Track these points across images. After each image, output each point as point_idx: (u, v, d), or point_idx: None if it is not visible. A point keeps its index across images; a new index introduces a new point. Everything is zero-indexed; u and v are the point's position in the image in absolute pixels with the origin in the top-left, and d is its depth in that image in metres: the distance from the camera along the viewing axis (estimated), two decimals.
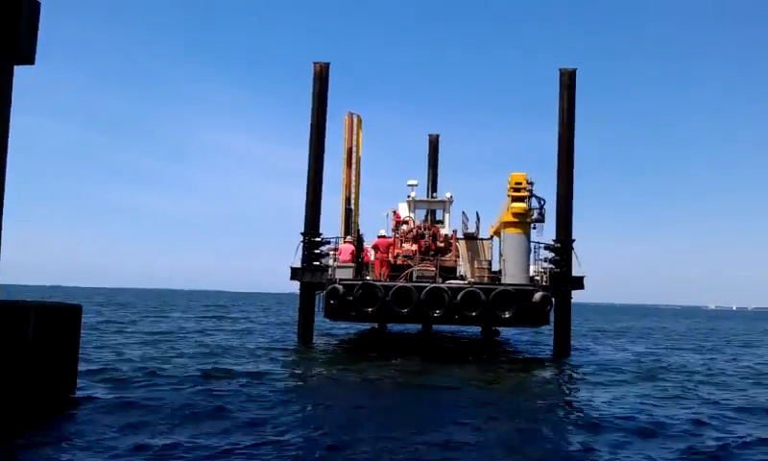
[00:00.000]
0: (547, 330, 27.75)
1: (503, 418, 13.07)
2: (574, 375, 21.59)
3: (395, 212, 29.94)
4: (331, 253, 27.85)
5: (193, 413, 12.18)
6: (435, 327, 36.96)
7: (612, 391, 17.49)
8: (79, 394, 13.36)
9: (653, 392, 17.54)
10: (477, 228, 29.77)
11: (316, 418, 12.84)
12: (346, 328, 37.42)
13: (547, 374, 21.67)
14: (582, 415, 13.77)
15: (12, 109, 11.58)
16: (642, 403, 15.46)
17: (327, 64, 29.27)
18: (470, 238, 28.98)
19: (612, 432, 11.89)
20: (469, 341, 32.69)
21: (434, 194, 39.39)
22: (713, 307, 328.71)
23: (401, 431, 11.20)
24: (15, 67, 11.59)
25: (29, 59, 11.83)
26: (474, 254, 28.36)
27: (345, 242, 26.89)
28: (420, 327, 36.36)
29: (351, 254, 25.65)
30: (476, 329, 33.28)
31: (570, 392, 17.78)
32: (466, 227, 29.94)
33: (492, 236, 29.79)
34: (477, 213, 30.07)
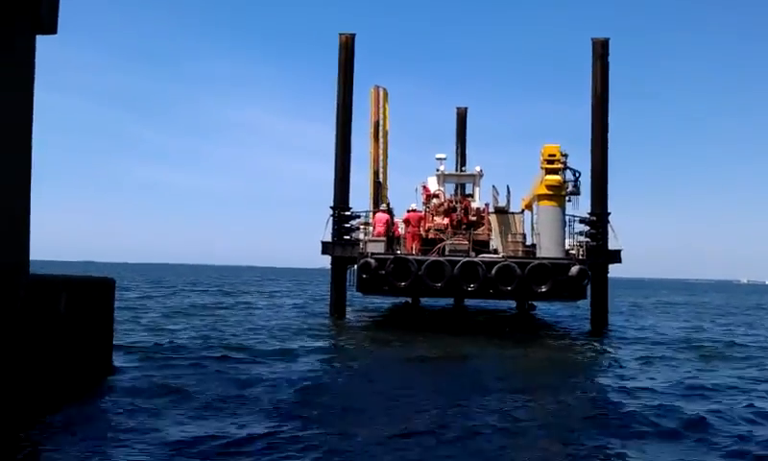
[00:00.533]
0: (584, 305, 27.18)
1: (538, 395, 12.66)
2: (613, 350, 21.04)
3: (424, 186, 29.46)
4: (362, 227, 27.55)
5: (224, 397, 11.52)
6: (466, 301, 36.64)
7: (656, 368, 16.98)
8: (115, 374, 13.17)
9: (696, 364, 17.12)
10: (508, 201, 29.24)
11: (349, 395, 12.46)
12: (378, 303, 37.16)
13: (586, 350, 21.17)
14: (624, 394, 13.32)
15: (35, 81, 11.34)
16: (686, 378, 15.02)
17: (353, 35, 28.76)
18: (501, 212, 28.44)
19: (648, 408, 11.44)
20: (504, 316, 32.28)
21: (463, 168, 38.75)
22: (746, 281, 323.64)
23: (437, 408, 10.92)
24: (38, 37, 11.31)
25: (51, 28, 11.49)
26: (506, 228, 27.82)
27: (380, 211, 26.50)
28: (451, 301, 36.01)
29: (386, 223, 25.29)
30: (509, 304, 32.85)
31: (610, 369, 17.29)
32: (496, 201, 29.36)
33: (523, 210, 29.23)
34: (508, 187, 29.52)
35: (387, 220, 25.57)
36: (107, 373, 12.86)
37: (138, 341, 18.35)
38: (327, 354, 18.04)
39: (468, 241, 24.70)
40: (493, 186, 29.99)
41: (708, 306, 56.03)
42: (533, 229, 27.81)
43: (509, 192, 29.40)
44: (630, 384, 14.07)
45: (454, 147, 43.36)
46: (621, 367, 17.09)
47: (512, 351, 18.80)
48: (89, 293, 12.54)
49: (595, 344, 22.54)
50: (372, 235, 25.02)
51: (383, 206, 27.64)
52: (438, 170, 31.69)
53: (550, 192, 23.93)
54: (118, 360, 14.06)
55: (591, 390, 13.51)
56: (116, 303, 14.15)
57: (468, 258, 23.22)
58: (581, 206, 25.62)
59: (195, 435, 8.86)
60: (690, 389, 13.53)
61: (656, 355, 19.36)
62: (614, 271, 28.09)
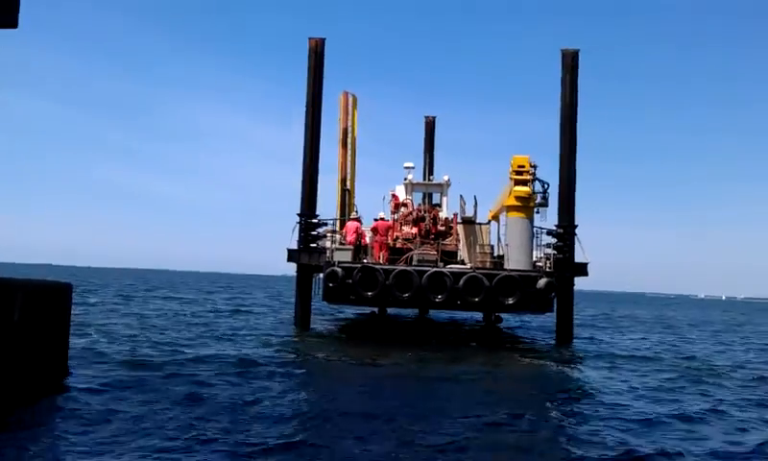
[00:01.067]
0: (550, 317, 27.19)
1: (507, 409, 12.39)
2: (578, 362, 21.07)
3: (393, 195, 29.26)
4: (329, 234, 27.19)
5: (178, 403, 11.32)
6: (431, 312, 36.51)
7: (620, 376, 17.05)
8: (70, 379, 12.67)
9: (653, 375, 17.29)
10: (475, 212, 29.23)
11: (308, 411, 11.73)
12: (341, 312, 36.77)
13: (551, 362, 21.10)
14: (587, 403, 13.28)
15: None
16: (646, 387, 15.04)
17: (323, 40, 28.46)
18: (468, 222, 28.40)
19: (621, 421, 11.53)
20: (472, 328, 32.15)
21: (431, 177, 38.67)
22: (703, 297, 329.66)
23: (404, 426, 10.63)
24: None
25: (11, 21, 11.01)
26: (473, 238, 27.79)
27: (351, 219, 26.19)
28: (416, 312, 35.83)
29: (357, 231, 24.98)
30: (475, 315, 32.76)
31: (575, 379, 17.23)
32: (463, 211, 29.33)
33: (489, 221, 29.24)
34: (475, 197, 29.52)
35: (358, 228, 25.28)
36: (62, 377, 12.43)
37: (96, 348, 17.75)
38: (291, 370, 17.09)
39: (437, 251, 24.54)
40: (461, 196, 29.98)
41: (681, 322, 56.74)
42: (499, 240, 27.89)
43: (476, 203, 29.44)
44: (599, 402, 14.03)
45: (422, 156, 43.24)
46: (582, 377, 17.10)
47: (478, 368, 18.50)
48: (45, 297, 12.03)
49: (557, 355, 22.60)
50: (345, 243, 24.66)
51: (354, 214, 27.34)
52: (406, 179, 31.51)
53: (519, 203, 23.88)
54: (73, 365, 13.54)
55: (560, 413, 13.20)
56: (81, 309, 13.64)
57: (435, 269, 23.04)
58: (548, 217, 25.62)
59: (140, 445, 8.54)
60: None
61: (622, 368, 19.41)
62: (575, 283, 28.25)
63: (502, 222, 26.08)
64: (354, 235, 24.75)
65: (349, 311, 36.40)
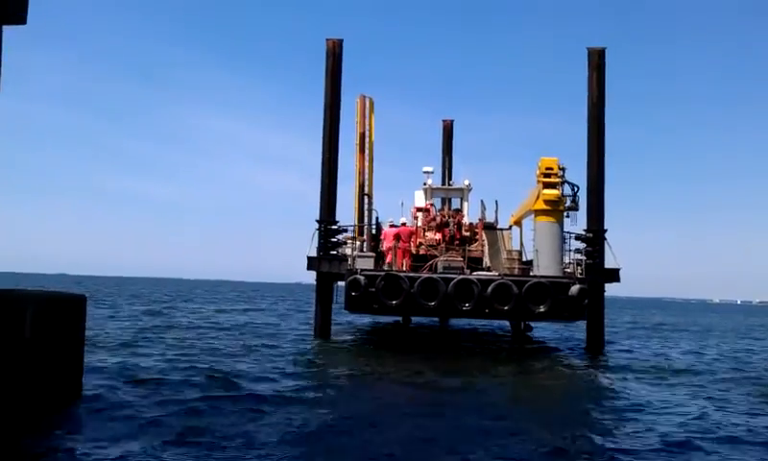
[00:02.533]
0: (579, 325, 26.12)
1: (535, 423, 11.62)
2: (610, 373, 19.94)
3: (417, 208, 28.28)
4: (349, 241, 26.34)
5: (192, 427, 10.33)
6: (452, 321, 35.49)
7: (653, 389, 16.04)
8: (86, 394, 11.80)
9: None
10: (496, 217, 28.26)
11: (327, 428, 10.85)
12: (363, 321, 35.73)
13: (584, 373, 20.06)
14: (619, 418, 12.42)
15: (3, 70, 10.11)
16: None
17: (341, 41, 27.62)
18: (490, 228, 27.42)
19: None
20: (501, 337, 31.05)
21: (450, 182, 37.76)
22: (718, 301, 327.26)
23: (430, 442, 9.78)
24: (5, 28, 10.11)
25: (20, 18, 10.31)
26: (494, 244, 26.80)
27: (390, 226, 25.27)
28: (435, 320, 34.84)
29: (395, 238, 24.09)
30: (501, 324, 31.65)
31: (608, 391, 16.17)
32: (484, 216, 28.41)
33: (510, 226, 28.25)
34: (496, 202, 28.58)
35: (397, 234, 24.36)
36: (75, 397, 11.50)
37: (109, 363, 16.87)
38: (313, 387, 15.76)
39: (463, 258, 23.59)
40: (482, 201, 29.07)
41: (717, 327, 55.06)
42: (522, 245, 26.96)
43: (497, 207, 28.49)
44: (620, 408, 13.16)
45: (440, 160, 42.29)
46: (614, 390, 16.14)
47: (505, 377, 17.52)
48: (58, 310, 11.17)
49: (590, 366, 21.57)
50: (383, 250, 23.72)
51: (392, 219, 26.41)
52: (425, 184, 30.66)
53: (548, 207, 22.88)
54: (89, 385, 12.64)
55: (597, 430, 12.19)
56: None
57: (462, 276, 22.09)
58: (578, 222, 24.57)
59: None
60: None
61: (648, 377, 18.32)
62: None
63: (528, 227, 25.14)
64: (392, 243, 23.80)
65: (367, 320, 35.43)
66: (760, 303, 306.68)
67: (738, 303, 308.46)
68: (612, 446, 10.13)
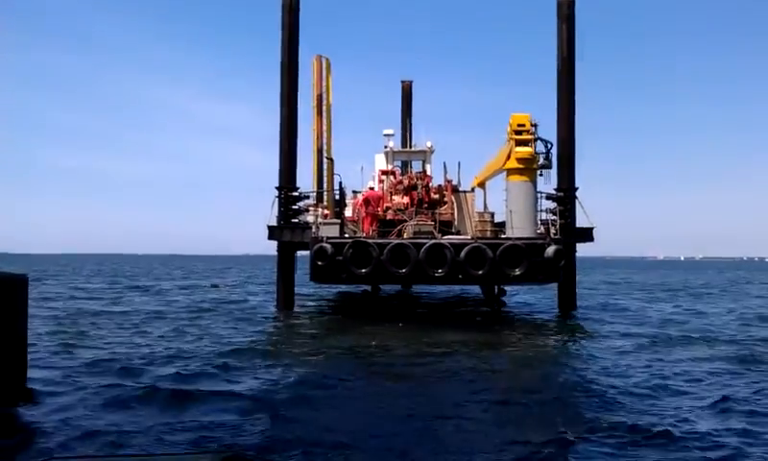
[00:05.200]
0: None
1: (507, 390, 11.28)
2: (585, 339, 19.09)
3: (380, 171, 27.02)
4: (311, 209, 24.94)
5: (153, 401, 10.04)
6: (415, 286, 34.50)
7: (632, 353, 15.58)
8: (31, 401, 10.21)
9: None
10: (459, 179, 27.15)
11: (295, 404, 10.23)
12: (328, 290, 34.41)
13: (558, 337, 19.30)
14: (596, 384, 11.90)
15: None
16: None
17: None
18: (455, 191, 26.29)
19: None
20: (470, 301, 30.18)
21: (411, 144, 36.48)
22: (662, 258, 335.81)
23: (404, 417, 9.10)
24: None
25: None
26: (460, 207, 25.71)
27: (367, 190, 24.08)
28: (398, 287, 33.82)
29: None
30: (469, 288, 30.73)
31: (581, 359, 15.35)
32: (448, 179, 27.23)
33: (473, 188, 27.19)
34: (459, 163, 27.52)
35: (366, 198, 23.09)
36: (19, 399, 9.90)
37: (60, 348, 15.24)
38: (270, 358, 14.78)
39: (434, 221, 22.45)
40: (444, 163, 27.81)
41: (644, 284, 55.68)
42: (485, 207, 25.96)
43: (459, 169, 27.38)
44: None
45: (400, 123, 40.95)
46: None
47: (478, 342, 16.90)
48: None
49: (563, 329, 21.01)
50: (356, 216, 22.49)
51: (371, 183, 25.12)
52: (386, 147, 29.32)
53: (521, 166, 21.81)
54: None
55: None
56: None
57: (434, 240, 20.96)
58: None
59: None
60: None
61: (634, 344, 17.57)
62: None
63: (499, 187, 24.07)
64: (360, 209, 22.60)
65: (331, 290, 34.19)
66: (703, 258, 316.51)
67: (682, 259, 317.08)
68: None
